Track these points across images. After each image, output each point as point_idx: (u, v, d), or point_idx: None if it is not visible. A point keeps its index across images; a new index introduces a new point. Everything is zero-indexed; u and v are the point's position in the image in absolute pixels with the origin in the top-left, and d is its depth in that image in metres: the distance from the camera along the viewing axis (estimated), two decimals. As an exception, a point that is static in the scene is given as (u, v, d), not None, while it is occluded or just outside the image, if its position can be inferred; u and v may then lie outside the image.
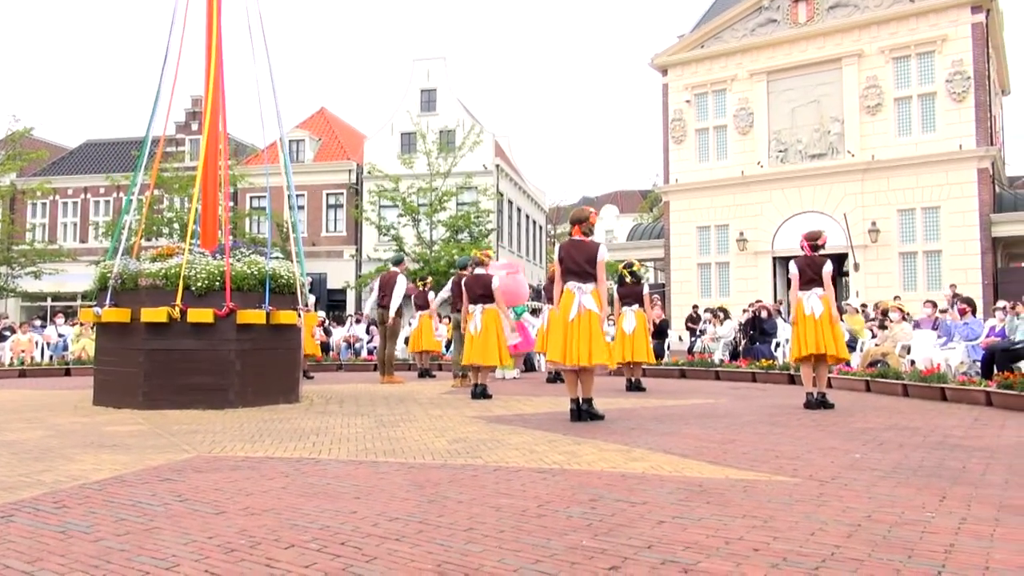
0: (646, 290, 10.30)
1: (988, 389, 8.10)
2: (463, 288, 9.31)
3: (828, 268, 7.84)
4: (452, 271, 11.17)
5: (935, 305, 13.40)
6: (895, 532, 3.07)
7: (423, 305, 13.41)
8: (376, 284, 12.24)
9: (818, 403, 7.63)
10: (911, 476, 4.20)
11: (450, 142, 30.72)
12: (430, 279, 14.13)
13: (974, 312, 11.60)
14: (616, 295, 10.25)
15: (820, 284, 7.79)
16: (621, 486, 3.94)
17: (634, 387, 9.98)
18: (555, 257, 6.94)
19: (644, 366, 10.32)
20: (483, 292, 9.06)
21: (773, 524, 3.18)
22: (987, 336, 10.85)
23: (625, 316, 9.95)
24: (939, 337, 11.59)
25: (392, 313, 11.70)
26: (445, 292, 11.20)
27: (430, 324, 13.60)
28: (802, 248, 8.07)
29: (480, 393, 8.80)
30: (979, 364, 9.97)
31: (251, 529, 3.12)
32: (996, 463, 4.65)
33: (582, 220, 6.80)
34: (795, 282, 7.93)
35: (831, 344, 7.63)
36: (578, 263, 6.66)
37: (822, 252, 8.03)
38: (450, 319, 12.57)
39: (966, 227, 23.01)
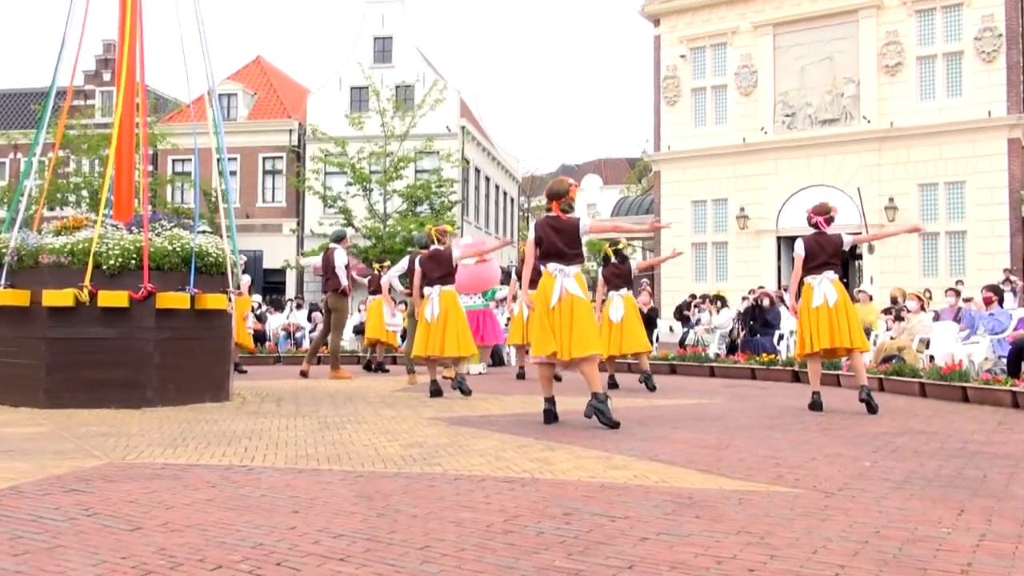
0: (634, 267, 10.33)
1: (1015, 389, 8.29)
2: (418, 268, 9.25)
3: (848, 240, 7.90)
4: (409, 249, 11.14)
5: (958, 293, 13.66)
6: (907, 550, 3.14)
7: (376, 291, 13.39)
8: (316, 262, 12.35)
9: (864, 401, 7.56)
10: (926, 487, 4.30)
11: (408, 99, 30.55)
12: (388, 263, 14.12)
13: (1001, 301, 11.84)
14: (600, 278, 10.26)
15: (834, 267, 7.81)
16: (600, 498, 3.98)
17: (645, 381, 9.82)
18: (529, 236, 6.92)
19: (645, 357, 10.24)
20: (443, 272, 9.01)
21: (771, 541, 3.24)
22: (1015, 328, 11.08)
23: (612, 302, 9.83)
24: (961, 330, 11.82)
25: (343, 284, 11.72)
26: (400, 268, 11.10)
27: (380, 311, 13.53)
28: (813, 224, 8.04)
29: (458, 385, 8.89)
30: (1005, 360, 10.19)
31: (171, 548, 3.11)
32: (1021, 472, 4.77)
33: (561, 194, 6.76)
34: (798, 263, 7.95)
35: (846, 336, 7.62)
36: (557, 244, 6.64)
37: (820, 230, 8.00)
38: (406, 305, 12.55)
39: (994, 205, 23.41)
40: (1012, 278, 18.56)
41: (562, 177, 6.97)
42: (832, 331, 7.66)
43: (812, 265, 7.87)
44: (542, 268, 6.74)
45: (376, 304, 13.50)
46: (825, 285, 7.74)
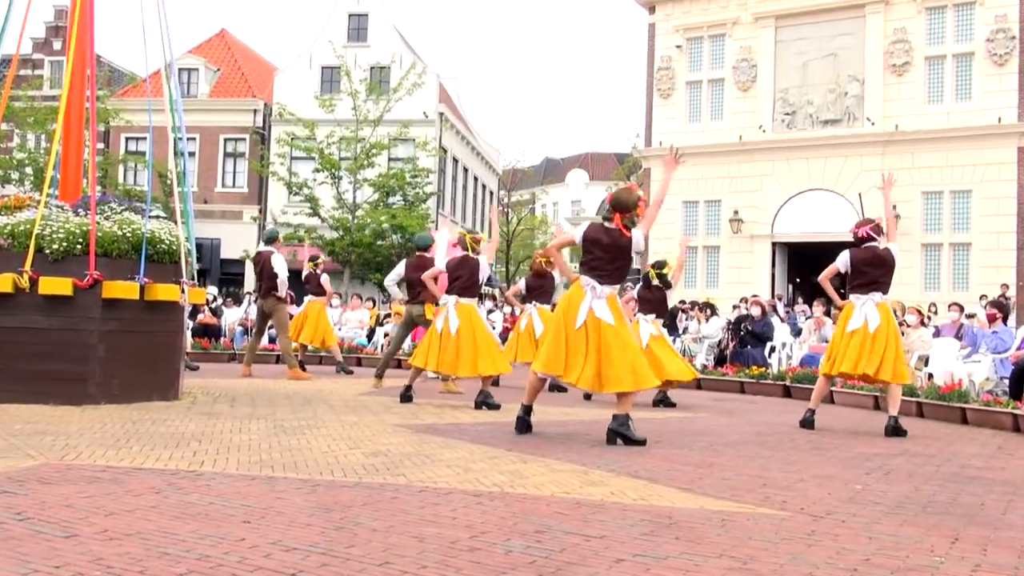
0: (674, 301, 10.22)
1: (1016, 412, 8.40)
2: (448, 271, 8.95)
3: (896, 251, 7.81)
4: (405, 253, 11.09)
5: (961, 309, 13.81)
6: (897, 579, 3.17)
7: (315, 291, 13.42)
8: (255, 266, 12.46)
9: (892, 430, 7.50)
10: (920, 513, 4.35)
11: (383, 81, 30.45)
12: (322, 260, 14.06)
13: (1005, 319, 11.98)
14: (637, 298, 10.23)
15: (882, 287, 7.69)
16: (574, 515, 3.99)
17: (660, 402, 9.79)
18: (573, 232, 6.64)
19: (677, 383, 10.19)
20: (467, 283, 8.77)
21: (754, 566, 3.26)
22: (1018, 348, 11.22)
23: (640, 326, 9.69)
24: (963, 347, 11.95)
25: (283, 293, 11.80)
26: (398, 273, 11.04)
27: (324, 314, 13.50)
28: (860, 237, 7.86)
29: (482, 403, 8.54)
30: (1007, 381, 10.31)
31: (110, 558, 3.08)
32: (1019, 500, 4.84)
33: (629, 207, 6.40)
34: (831, 271, 7.91)
35: (875, 365, 7.45)
36: (602, 258, 6.41)
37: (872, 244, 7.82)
38: (401, 310, 12.56)
39: (1001, 216, 23.69)
40: (1008, 295, 18.71)
41: (630, 185, 6.63)
42: (860, 357, 7.55)
43: (858, 283, 7.76)
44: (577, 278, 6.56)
45: (319, 306, 13.44)
46: (868, 307, 7.63)
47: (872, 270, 7.73)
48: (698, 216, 27.64)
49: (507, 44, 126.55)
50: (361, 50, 32.85)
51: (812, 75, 26.04)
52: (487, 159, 42.89)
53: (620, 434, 6.40)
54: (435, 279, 9.32)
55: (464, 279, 8.76)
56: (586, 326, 6.34)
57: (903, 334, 12.51)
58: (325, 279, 13.75)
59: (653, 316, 9.94)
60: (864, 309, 7.66)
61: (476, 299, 9.01)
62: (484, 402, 8.58)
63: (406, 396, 8.95)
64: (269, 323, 12.60)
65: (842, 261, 7.91)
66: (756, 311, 15.02)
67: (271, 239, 12.30)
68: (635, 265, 10.60)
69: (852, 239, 8.01)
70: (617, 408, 6.47)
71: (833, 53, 25.83)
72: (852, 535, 3.81)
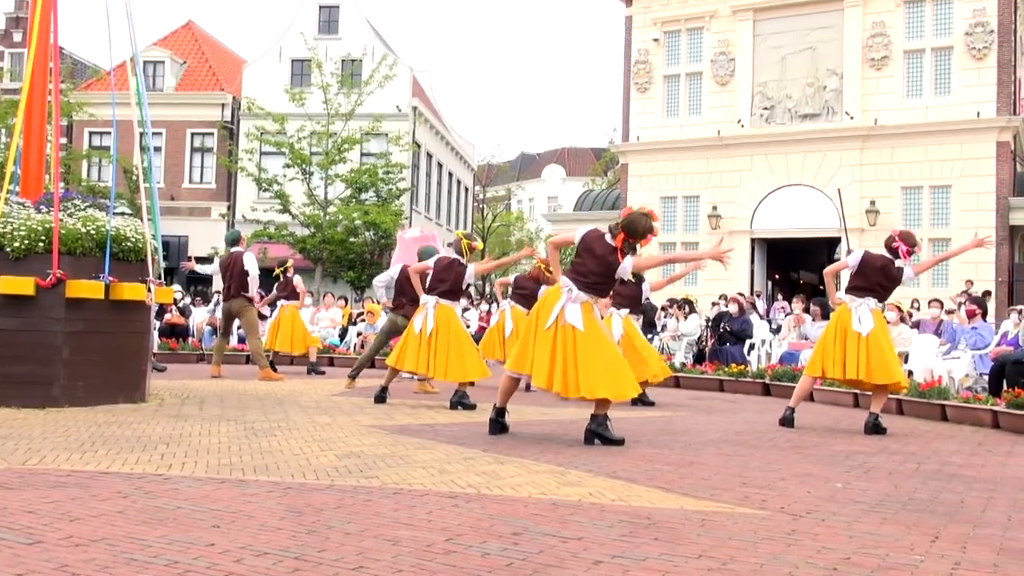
0: (646, 291, 10.26)
1: (995, 408, 8.50)
2: (434, 270, 8.89)
3: (908, 275, 7.82)
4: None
5: (941, 304, 13.95)
6: (877, 578, 3.20)
7: (288, 296, 13.40)
8: (216, 267, 12.38)
9: (872, 427, 7.61)
10: (900, 511, 4.39)
11: (355, 75, 30.33)
12: (290, 263, 14.00)
13: (984, 315, 12.13)
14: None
15: (879, 296, 7.75)
16: (551, 517, 4.00)
17: (639, 400, 9.66)
18: (576, 239, 6.56)
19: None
20: (451, 288, 8.73)
21: (733, 567, 3.28)
22: (998, 344, 11.36)
23: (612, 320, 9.73)
24: (942, 344, 12.08)
25: (253, 292, 11.75)
26: (390, 275, 11.00)
27: (295, 317, 13.48)
28: (893, 248, 7.81)
29: (457, 403, 8.57)
30: (986, 378, 10.45)
31: (75, 564, 3.05)
32: (999, 497, 4.90)
33: (639, 234, 6.37)
34: (837, 267, 8.13)
35: (864, 369, 7.53)
36: (590, 266, 6.41)
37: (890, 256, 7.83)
38: (375, 309, 12.51)
39: (980, 211, 23.97)
40: (971, 292, 18.86)
41: (650, 212, 6.54)
42: (847, 361, 7.61)
43: (858, 285, 7.78)
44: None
45: (291, 311, 13.40)
46: (863, 311, 7.67)
47: (878, 278, 7.74)
48: (676, 211, 27.76)
49: (482, 37, 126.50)
50: (332, 42, 32.70)
51: (790, 69, 26.22)
52: (462, 154, 42.85)
53: (598, 434, 6.43)
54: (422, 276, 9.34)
55: (449, 283, 8.72)
56: (555, 328, 6.35)
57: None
58: (297, 280, 13.73)
59: (627, 311, 9.96)
60: (859, 312, 7.68)
61: (457, 303, 8.96)
62: (460, 402, 8.60)
63: (380, 397, 8.94)
64: (237, 324, 12.55)
65: (853, 258, 7.92)
66: (733, 308, 15.12)
67: (235, 240, 12.29)
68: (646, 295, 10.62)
69: (886, 245, 7.94)
70: (595, 409, 6.49)
71: (811, 47, 26.03)
72: (832, 534, 3.85)
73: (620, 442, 6.38)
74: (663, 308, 18.60)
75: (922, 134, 24.48)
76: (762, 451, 6.43)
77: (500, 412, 6.78)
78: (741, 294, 19.26)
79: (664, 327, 17.42)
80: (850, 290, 7.86)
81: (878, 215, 24.78)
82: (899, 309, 13.30)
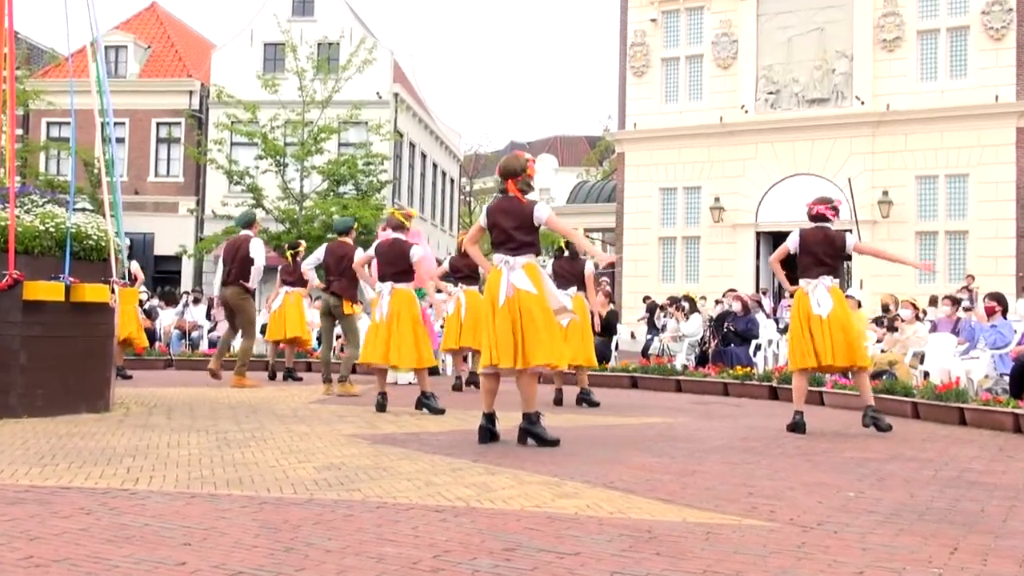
0: (589, 268, 10.43)
1: (1017, 411, 8.52)
2: (376, 256, 9.10)
3: (851, 243, 8.04)
4: (331, 236, 11.07)
5: (956, 302, 14.00)
6: (893, 593, 3.22)
7: (295, 282, 13.26)
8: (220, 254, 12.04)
9: (870, 421, 7.77)
10: (916, 521, 4.41)
11: (332, 59, 30.25)
12: (303, 246, 13.87)
13: (1004, 312, 12.16)
14: (551, 273, 10.31)
15: (831, 270, 7.92)
16: (546, 531, 4.00)
17: (583, 399, 10.03)
18: (481, 220, 6.95)
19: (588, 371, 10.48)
20: (401, 267, 8.87)
21: (740, 582, 3.29)
22: (1019, 343, 11.40)
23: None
24: (960, 343, 12.12)
25: (254, 284, 11.56)
26: (316, 258, 11.14)
27: (301, 306, 13.44)
28: (816, 215, 8.11)
29: (423, 404, 8.73)
30: (1007, 379, 10.48)
31: (35, 586, 3.04)
32: (1021, 505, 4.92)
33: (517, 171, 6.77)
34: (781, 252, 8.21)
35: (842, 352, 7.75)
36: (506, 229, 6.69)
37: (824, 224, 8.10)
38: (316, 301, 12.48)
39: (999, 202, 24.04)
40: (972, 287, 18.89)
41: (517, 152, 7.00)
42: (826, 345, 7.76)
43: (805, 263, 7.97)
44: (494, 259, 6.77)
45: (296, 298, 13.35)
46: (820, 292, 7.83)
47: (823, 249, 7.93)
48: (676, 204, 27.78)
49: (467, 18, 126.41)
50: (307, 25, 32.63)
51: (797, 51, 26.25)
52: (447, 144, 42.82)
53: (532, 434, 6.62)
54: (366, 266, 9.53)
55: (398, 264, 8.87)
56: (509, 302, 6.54)
57: (896, 329, 12.69)
58: (306, 269, 13.53)
59: (574, 289, 10.09)
60: (817, 294, 7.86)
61: (409, 283, 9.07)
62: (426, 404, 8.73)
63: (381, 404, 8.90)
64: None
65: (792, 241, 8.13)
66: (738, 307, 15.14)
67: (249, 222, 12.00)
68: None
69: (808, 215, 8.23)
70: (526, 405, 6.63)
71: (819, 27, 26.07)
72: (845, 546, 3.86)
73: (556, 442, 6.58)
74: (662, 307, 18.62)
75: (937, 120, 24.54)
76: (770, 458, 6.44)
77: (490, 419, 6.80)
78: (736, 291, 19.24)
79: (664, 327, 17.43)
80: (802, 273, 8.01)
81: (891, 206, 24.83)
82: (914, 306, 13.34)
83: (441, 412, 8.65)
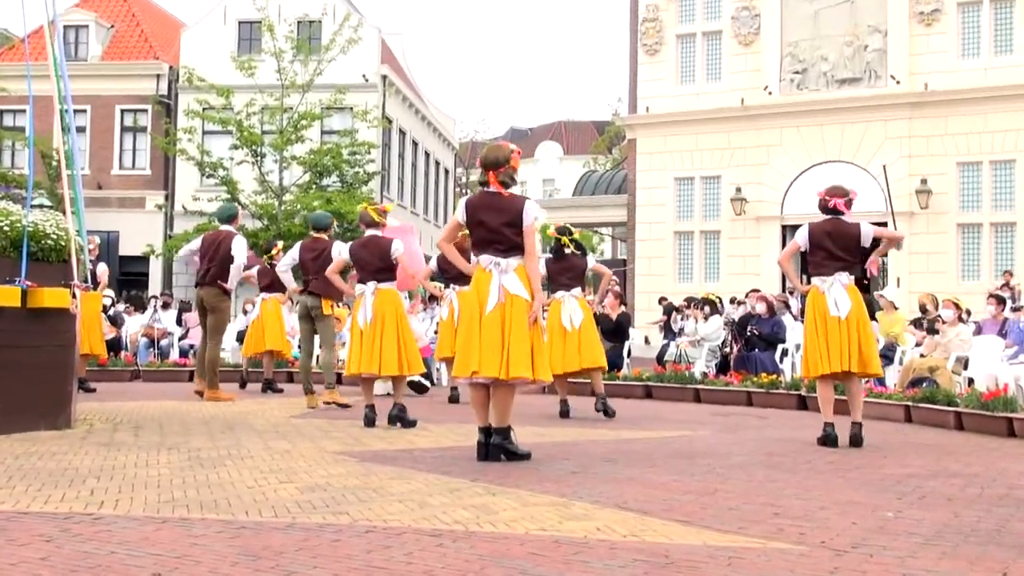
0: (591, 263, 10.41)
1: (1071, 421, 8.53)
2: (352, 257, 9.16)
3: (868, 233, 7.97)
4: (313, 233, 11.00)
5: (1002, 301, 13.97)
6: (935, 623, 3.22)
7: (270, 285, 13.25)
8: (195, 247, 11.92)
9: (852, 438, 7.82)
10: (962, 543, 4.40)
11: (313, 38, 30.30)
12: (280, 245, 13.85)
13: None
14: (547, 273, 10.29)
15: (849, 266, 7.92)
16: (553, 556, 4.00)
17: (601, 409, 9.95)
18: (458, 216, 6.97)
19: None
20: (380, 265, 8.92)
21: (767, 612, 3.29)
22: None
23: (564, 304, 9.98)
24: (1008, 346, 12.11)
25: (232, 285, 11.53)
26: (291, 259, 11.15)
27: (280, 314, 13.45)
28: (829, 208, 8.10)
29: (396, 417, 8.72)
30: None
31: (-10, 622, 3.05)
32: (1076, 525, 4.91)
33: (500, 163, 6.78)
34: (791, 249, 8.27)
35: (856, 357, 7.78)
36: (493, 228, 6.68)
37: (841, 216, 8.09)
38: (296, 305, 12.45)
39: (1050, 191, 24.03)
40: (1013, 283, 18.87)
41: (501, 142, 7.02)
42: (842, 350, 7.77)
43: (818, 260, 7.97)
44: (474, 260, 6.80)
45: (274, 305, 13.36)
46: (837, 290, 7.83)
47: (835, 246, 7.91)
48: (694, 195, 27.76)
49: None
50: (286, 1, 32.67)
51: (825, 26, 26.23)
52: (440, 131, 42.84)
53: (504, 449, 6.65)
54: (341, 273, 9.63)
55: (376, 263, 8.92)
56: (500, 307, 6.54)
57: (937, 332, 12.67)
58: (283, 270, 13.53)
59: (578, 290, 10.17)
60: (833, 293, 7.83)
61: (392, 282, 9.08)
62: (399, 417, 8.73)
63: (369, 418, 8.88)
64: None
65: (801, 236, 8.15)
66: (762, 308, 15.11)
67: (231, 216, 12.00)
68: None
69: (820, 207, 8.23)
70: (498, 419, 6.65)
71: (850, 0, 26.04)
72: (882, 571, 3.85)
73: (527, 456, 6.67)
74: (678, 309, 18.62)
75: (980, 100, 24.49)
76: (798, 475, 6.43)
77: (487, 432, 6.79)
78: (759, 291, 19.24)
79: (682, 331, 17.42)
80: (816, 271, 8.00)
81: (930, 196, 24.78)
82: (957, 306, 13.31)
83: (412, 424, 8.70)
